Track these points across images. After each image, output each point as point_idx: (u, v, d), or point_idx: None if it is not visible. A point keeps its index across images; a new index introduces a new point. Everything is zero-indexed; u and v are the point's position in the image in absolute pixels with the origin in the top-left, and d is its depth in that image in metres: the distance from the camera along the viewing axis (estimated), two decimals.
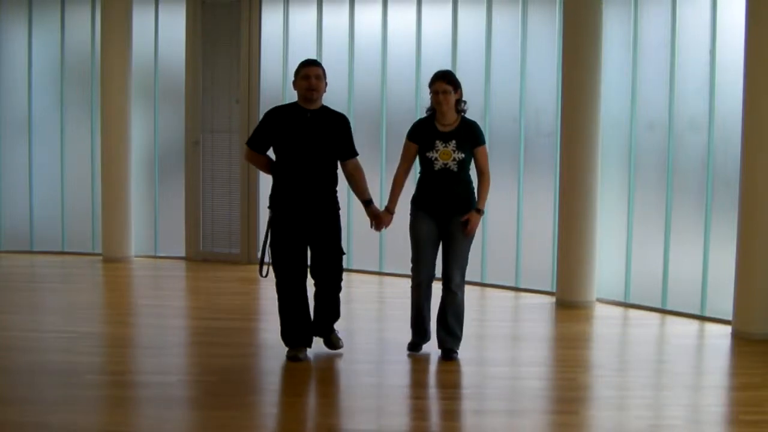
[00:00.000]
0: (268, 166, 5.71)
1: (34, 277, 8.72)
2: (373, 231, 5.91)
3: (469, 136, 5.60)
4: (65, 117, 9.59)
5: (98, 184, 9.31)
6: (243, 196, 9.13)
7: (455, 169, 5.56)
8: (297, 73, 5.60)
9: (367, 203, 5.74)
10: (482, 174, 5.68)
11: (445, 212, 5.62)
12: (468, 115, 5.74)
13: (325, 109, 5.63)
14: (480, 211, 5.63)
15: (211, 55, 9.17)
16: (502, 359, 5.96)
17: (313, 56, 8.61)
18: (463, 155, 5.56)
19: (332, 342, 5.78)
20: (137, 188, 9.36)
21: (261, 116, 8.83)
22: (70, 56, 9.56)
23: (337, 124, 5.62)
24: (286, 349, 5.64)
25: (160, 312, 7.06)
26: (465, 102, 5.69)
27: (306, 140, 5.49)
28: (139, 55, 9.28)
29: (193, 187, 9.26)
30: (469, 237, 5.64)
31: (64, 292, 7.98)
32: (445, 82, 5.56)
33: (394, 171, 5.81)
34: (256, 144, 5.65)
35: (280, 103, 8.82)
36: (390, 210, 5.71)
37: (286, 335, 5.63)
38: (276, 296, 5.62)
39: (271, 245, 5.57)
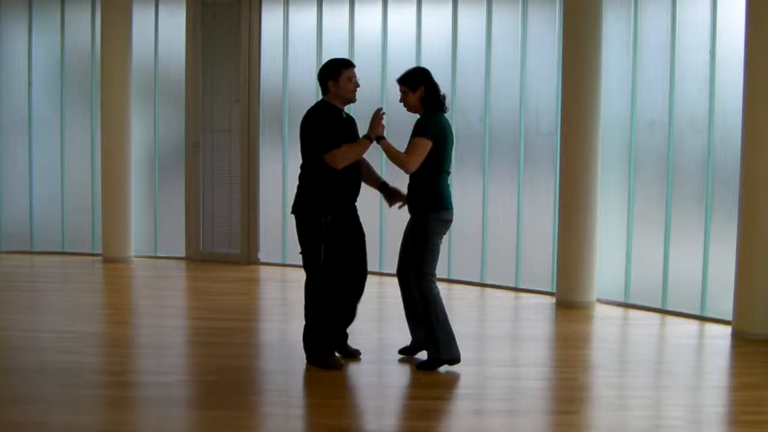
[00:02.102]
0: (352, 144, 5.45)
1: (34, 277, 8.72)
2: (393, 209, 5.86)
3: (414, 128, 5.47)
4: (65, 117, 9.59)
5: (98, 184, 9.31)
6: (243, 196, 9.13)
7: None
8: (338, 74, 5.45)
9: (384, 185, 5.74)
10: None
11: (408, 207, 5.62)
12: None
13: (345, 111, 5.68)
14: (370, 139, 5.39)
15: (211, 55, 9.17)
16: (502, 359, 5.96)
17: (313, 56, 8.68)
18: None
19: (350, 351, 5.69)
20: (137, 188, 9.36)
21: (260, 116, 8.97)
22: (70, 56, 9.56)
23: (355, 125, 5.69)
24: (326, 356, 5.51)
25: (160, 312, 7.06)
26: (444, 96, 5.54)
27: (348, 140, 5.47)
28: (139, 55, 9.28)
29: (193, 187, 9.26)
30: (415, 238, 5.50)
31: (64, 292, 7.98)
32: (399, 83, 5.56)
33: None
34: (334, 143, 5.36)
35: (280, 103, 8.93)
36: None
37: (331, 344, 5.52)
38: (320, 301, 5.47)
39: (331, 253, 5.40)
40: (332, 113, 5.47)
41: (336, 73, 5.47)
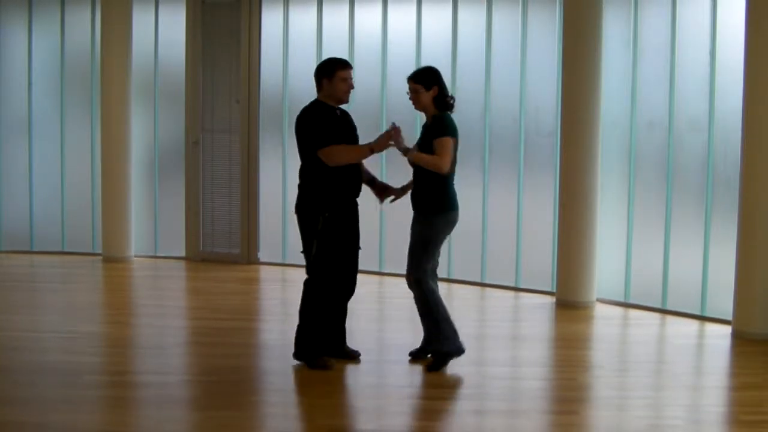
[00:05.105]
0: (351, 147, 5.51)
1: (34, 277, 8.72)
2: (380, 206, 5.88)
3: (432, 129, 5.44)
4: (65, 117, 9.59)
5: (98, 184, 9.31)
6: (243, 196, 9.13)
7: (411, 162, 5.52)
8: (333, 73, 5.45)
9: (372, 180, 5.72)
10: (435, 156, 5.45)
11: (413, 207, 5.59)
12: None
13: (340, 108, 5.67)
14: (410, 151, 5.40)
15: (211, 55, 9.17)
16: (502, 359, 5.96)
17: (313, 56, 8.65)
18: (417, 150, 5.47)
19: (347, 352, 5.68)
20: (137, 188, 9.36)
21: (260, 116, 8.98)
22: (70, 56, 9.55)
23: (351, 121, 5.69)
24: (299, 356, 5.54)
25: (160, 312, 7.06)
26: (452, 97, 5.56)
27: (344, 138, 5.48)
28: (139, 55, 9.27)
29: (193, 187, 9.26)
30: (421, 237, 5.50)
31: (64, 292, 7.98)
32: (413, 81, 5.52)
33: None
34: (329, 139, 5.40)
35: (280, 103, 8.93)
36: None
37: (322, 344, 5.51)
38: (313, 302, 5.48)
39: (325, 250, 5.42)
40: (326, 112, 5.48)
41: (331, 73, 5.47)
